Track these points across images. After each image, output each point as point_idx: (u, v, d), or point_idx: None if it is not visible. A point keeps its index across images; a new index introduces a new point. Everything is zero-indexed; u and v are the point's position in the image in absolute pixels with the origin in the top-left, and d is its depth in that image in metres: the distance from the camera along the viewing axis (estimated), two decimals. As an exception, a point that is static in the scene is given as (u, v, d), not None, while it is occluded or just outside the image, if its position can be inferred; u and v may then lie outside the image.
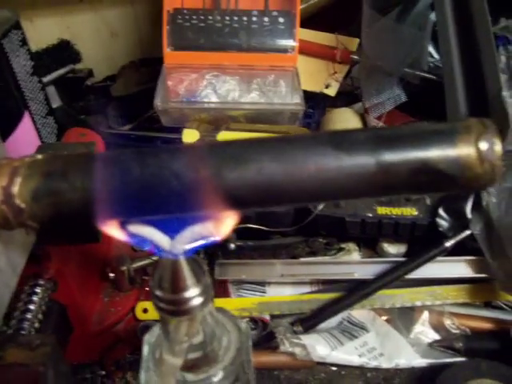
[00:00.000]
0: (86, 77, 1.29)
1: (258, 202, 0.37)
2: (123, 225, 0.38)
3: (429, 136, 0.36)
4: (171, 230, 0.39)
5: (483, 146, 0.35)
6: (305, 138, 0.36)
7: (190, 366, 0.44)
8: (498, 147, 0.35)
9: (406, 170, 0.35)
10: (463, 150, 0.35)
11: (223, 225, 0.39)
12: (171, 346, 0.43)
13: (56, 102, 1.15)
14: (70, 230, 0.41)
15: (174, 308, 0.40)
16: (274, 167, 0.35)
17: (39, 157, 0.39)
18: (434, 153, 0.35)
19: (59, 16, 1.28)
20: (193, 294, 0.40)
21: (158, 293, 0.40)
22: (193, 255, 0.40)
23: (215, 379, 0.44)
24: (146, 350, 0.47)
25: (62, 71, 1.18)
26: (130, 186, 0.37)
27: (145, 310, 0.77)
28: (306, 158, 0.35)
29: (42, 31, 1.23)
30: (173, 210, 0.37)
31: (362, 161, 0.35)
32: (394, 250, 0.84)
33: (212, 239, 0.39)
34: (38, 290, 0.61)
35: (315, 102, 1.10)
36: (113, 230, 0.38)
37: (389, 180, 0.35)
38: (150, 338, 0.47)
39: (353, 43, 1.07)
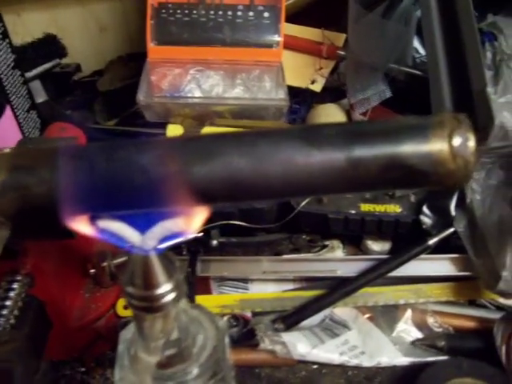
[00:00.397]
0: (73, 72, 1.29)
1: (227, 197, 0.36)
2: (93, 220, 0.38)
3: (401, 131, 0.35)
4: (142, 225, 0.38)
5: (456, 141, 0.34)
6: (275, 132, 0.36)
7: (164, 364, 0.43)
8: (472, 143, 0.35)
9: (377, 165, 0.34)
10: (436, 145, 0.34)
11: (194, 220, 0.39)
12: (146, 344, 0.43)
13: (41, 97, 1.14)
14: (40, 225, 0.40)
15: (147, 304, 0.39)
16: (243, 162, 0.34)
17: (7, 150, 0.39)
18: (406, 148, 0.34)
19: (47, 10, 1.27)
20: (165, 290, 0.39)
21: (130, 290, 0.39)
22: (164, 251, 0.39)
23: (191, 376, 0.44)
24: (121, 346, 0.46)
25: (47, 65, 1.17)
26: (96, 180, 0.36)
27: (126, 307, 0.76)
28: (275, 152, 0.34)
29: (29, 25, 1.23)
30: (140, 205, 0.37)
31: (333, 156, 0.34)
32: (378, 247, 0.84)
33: (183, 235, 0.38)
34: (14, 285, 0.61)
35: (302, 98, 1.10)
36: (82, 225, 0.38)
37: (360, 175, 0.35)
38: (125, 335, 0.47)
39: (339, 39, 1.06)
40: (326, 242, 0.87)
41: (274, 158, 0.34)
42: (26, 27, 1.21)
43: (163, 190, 0.35)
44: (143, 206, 0.37)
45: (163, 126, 0.98)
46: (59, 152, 0.38)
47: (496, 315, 0.74)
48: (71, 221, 0.37)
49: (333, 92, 1.10)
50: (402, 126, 0.36)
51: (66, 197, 0.36)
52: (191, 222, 0.38)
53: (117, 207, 0.37)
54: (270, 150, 0.34)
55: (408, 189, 0.73)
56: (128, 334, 0.47)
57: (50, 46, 1.19)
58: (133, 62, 1.28)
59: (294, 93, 1.07)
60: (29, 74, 1.07)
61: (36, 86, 1.12)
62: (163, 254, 0.39)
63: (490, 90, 0.73)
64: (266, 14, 1.00)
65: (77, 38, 1.31)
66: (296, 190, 0.36)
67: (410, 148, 0.34)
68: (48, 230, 0.42)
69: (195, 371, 0.44)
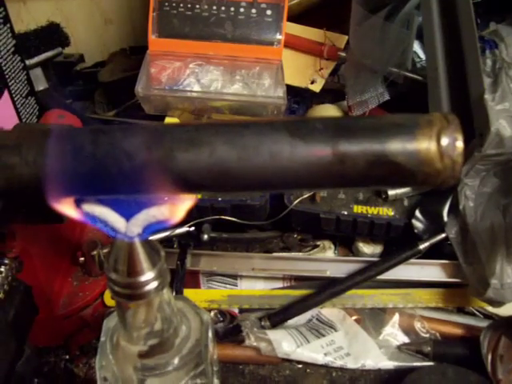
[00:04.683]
0: (77, 62, 1.29)
1: (209, 185, 0.36)
2: (78, 203, 0.37)
3: (389, 128, 0.35)
4: (128, 211, 0.38)
5: (444, 140, 0.34)
6: (262, 123, 0.35)
7: (146, 353, 0.43)
8: (460, 143, 0.34)
9: (363, 161, 0.34)
10: (423, 144, 0.34)
11: (179, 209, 0.38)
12: (128, 333, 0.43)
13: (42, 85, 1.14)
14: (26, 206, 0.40)
15: (129, 292, 0.39)
16: (227, 151, 0.34)
17: (-7, 130, 0.39)
18: (393, 145, 0.34)
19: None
20: (148, 277, 0.39)
21: (113, 276, 0.39)
22: (148, 238, 0.39)
23: (171, 367, 0.44)
24: (104, 335, 0.46)
25: (49, 54, 1.17)
26: (81, 163, 0.36)
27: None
28: (260, 143, 0.34)
29: (34, 13, 1.23)
30: (124, 190, 0.36)
31: (319, 149, 0.34)
32: (370, 250, 0.83)
33: (167, 223, 0.38)
34: (1, 268, 0.60)
35: (301, 98, 1.10)
36: (67, 208, 0.37)
37: (345, 171, 0.34)
38: (109, 323, 0.47)
39: (341, 40, 1.06)
40: (318, 242, 0.86)
41: (259, 148, 0.34)
42: (32, 15, 1.21)
43: (147, 176, 0.35)
44: (127, 192, 0.36)
45: (162, 119, 0.98)
46: (48, 133, 0.38)
47: (483, 323, 0.74)
48: (56, 203, 0.37)
49: (332, 93, 1.10)
50: (390, 123, 0.35)
51: (50, 178, 0.36)
52: (176, 210, 0.38)
53: (101, 191, 0.37)
54: (254, 141, 0.34)
55: (396, 187, 0.73)
56: (111, 322, 0.47)
57: (53, 34, 1.19)
58: (135, 54, 1.28)
59: (294, 92, 1.07)
60: (30, 61, 1.07)
61: (37, 73, 1.12)
62: (148, 242, 0.39)
63: (487, 96, 0.73)
64: (268, 12, 1.00)
65: (82, 28, 1.32)
66: (280, 182, 0.35)
67: (397, 145, 0.34)
68: (34, 212, 0.42)
69: (177, 363, 0.44)
